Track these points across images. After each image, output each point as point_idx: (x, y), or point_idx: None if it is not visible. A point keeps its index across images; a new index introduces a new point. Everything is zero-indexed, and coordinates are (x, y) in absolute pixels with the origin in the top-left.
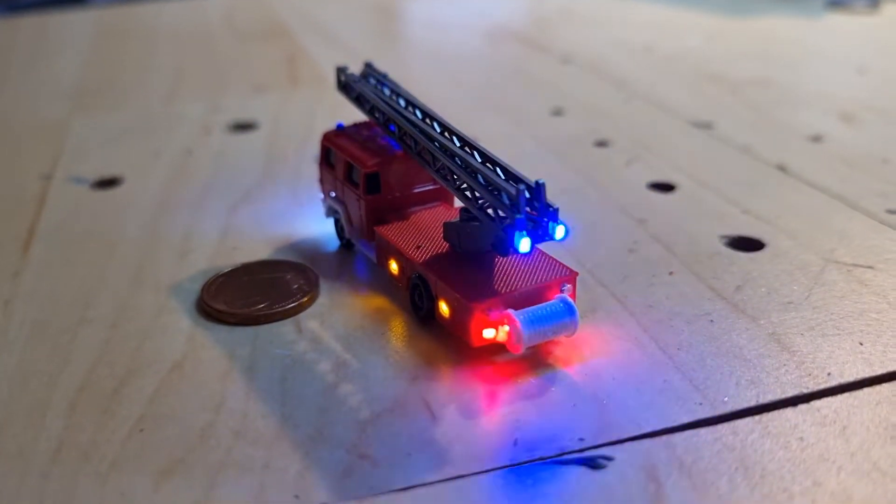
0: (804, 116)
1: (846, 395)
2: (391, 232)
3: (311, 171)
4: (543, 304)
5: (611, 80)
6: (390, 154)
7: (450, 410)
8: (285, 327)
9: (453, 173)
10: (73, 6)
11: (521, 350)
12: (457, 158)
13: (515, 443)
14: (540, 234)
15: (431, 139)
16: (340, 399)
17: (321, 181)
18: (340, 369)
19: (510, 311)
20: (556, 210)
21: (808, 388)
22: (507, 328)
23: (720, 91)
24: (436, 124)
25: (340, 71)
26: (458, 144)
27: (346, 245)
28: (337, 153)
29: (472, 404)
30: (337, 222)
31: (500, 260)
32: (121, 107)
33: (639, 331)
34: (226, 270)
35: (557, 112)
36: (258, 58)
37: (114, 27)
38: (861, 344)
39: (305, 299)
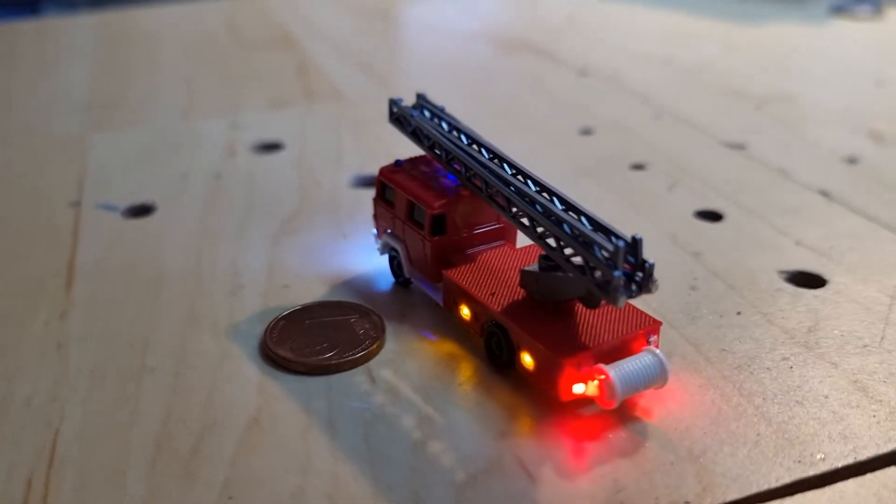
0: (834, 135)
1: None
2: (461, 276)
3: (349, 198)
4: (634, 357)
5: (633, 94)
6: (455, 194)
7: (546, 470)
8: (357, 377)
9: (533, 220)
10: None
11: (614, 406)
12: (537, 206)
13: None
14: (635, 290)
15: (507, 183)
16: (431, 458)
17: (376, 217)
18: (425, 424)
19: (603, 366)
20: (652, 265)
21: None
22: (596, 382)
23: (745, 106)
24: (506, 165)
25: (393, 103)
26: (534, 188)
27: (402, 283)
28: (397, 191)
29: (567, 462)
30: (393, 260)
31: (581, 308)
32: (137, 121)
33: (719, 378)
34: (286, 312)
35: (586, 131)
36: (268, 68)
37: (115, 32)
38: None
39: (374, 346)
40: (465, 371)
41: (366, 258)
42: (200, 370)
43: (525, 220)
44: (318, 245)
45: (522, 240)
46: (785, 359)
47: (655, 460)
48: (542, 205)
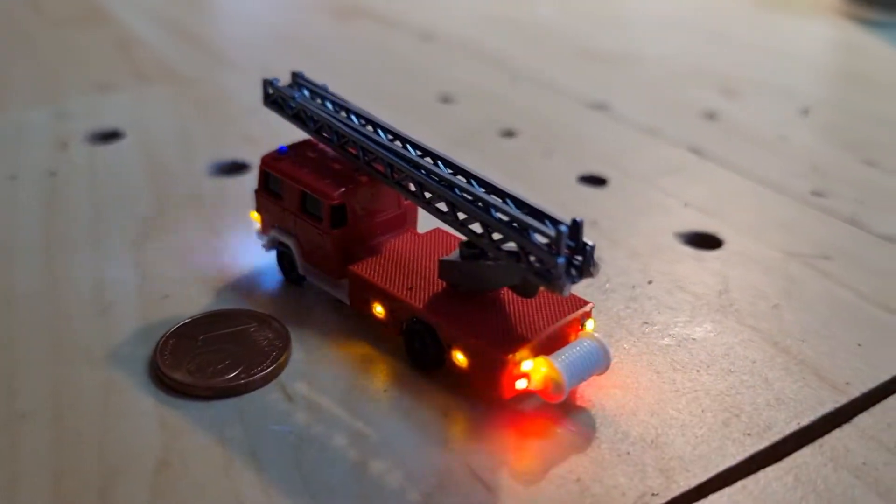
0: (688, 92)
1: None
2: (370, 270)
3: (211, 189)
4: (574, 344)
5: (484, 57)
6: (354, 181)
7: (502, 477)
8: (270, 395)
9: (454, 206)
10: None
11: (562, 399)
12: (456, 190)
13: None
14: (576, 275)
15: (416, 167)
16: (377, 481)
17: (260, 210)
18: (359, 442)
19: (547, 358)
20: (593, 248)
21: (839, 402)
22: (540, 376)
23: (597, 66)
24: (409, 147)
25: (269, 84)
26: (446, 170)
27: (294, 281)
28: (285, 181)
29: (523, 466)
30: (283, 256)
31: (507, 296)
32: None
33: (649, 354)
34: (174, 328)
35: (446, 99)
36: (84, 47)
37: None
38: (859, 345)
39: (282, 357)
40: (386, 375)
41: (248, 256)
42: (85, 410)
43: (442, 206)
44: (190, 246)
45: (424, 223)
46: (705, 325)
47: (611, 452)
48: (461, 188)
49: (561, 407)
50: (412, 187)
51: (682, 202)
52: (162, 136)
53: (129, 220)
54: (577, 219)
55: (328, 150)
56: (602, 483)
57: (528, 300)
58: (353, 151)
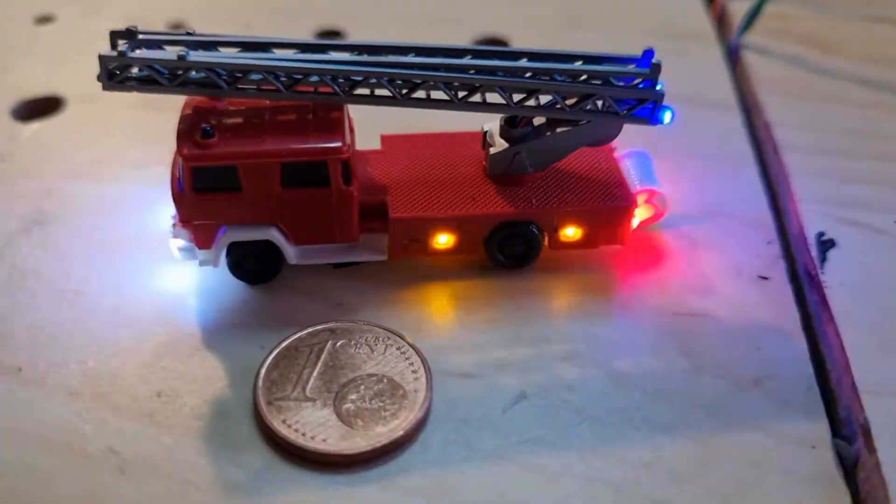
0: None
1: None
2: (411, 208)
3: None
4: (629, 165)
5: None
6: (334, 124)
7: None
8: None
9: (508, 91)
10: None
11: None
12: (500, 73)
13: None
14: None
15: (434, 68)
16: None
17: (191, 220)
18: None
19: (641, 185)
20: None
21: None
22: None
23: None
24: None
25: (111, 59)
26: (456, 59)
27: (263, 280)
28: (248, 164)
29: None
30: (246, 258)
31: (560, 169)
32: None
33: None
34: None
35: None
36: None
37: None
38: None
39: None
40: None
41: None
42: None
43: (491, 97)
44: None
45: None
46: None
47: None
48: (504, 69)
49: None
50: (439, 95)
51: None
52: None
53: None
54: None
55: (246, 104)
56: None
57: (576, 158)
58: (338, 86)
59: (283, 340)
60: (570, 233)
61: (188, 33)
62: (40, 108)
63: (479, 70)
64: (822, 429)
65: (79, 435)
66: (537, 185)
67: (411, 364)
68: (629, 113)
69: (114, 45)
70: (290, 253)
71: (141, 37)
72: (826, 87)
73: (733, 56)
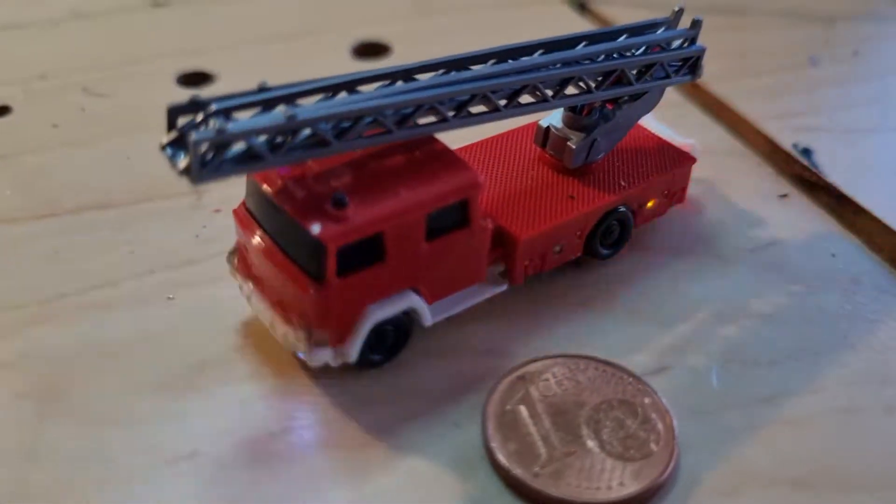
0: None
1: None
2: (529, 225)
3: None
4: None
5: None
6: (450, 155)
7: None
8: None
9: (588, 83)
10: None
11: None
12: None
13: None
14: None
15: (531, 69)
16: None
17: (337, 308)
18: None
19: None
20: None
21: None
22: None
23: None
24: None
25: (204, 142)
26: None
27: (388, 359)
28: (395, 226)
29: None
30: (382, 336)
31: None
32: None
33: None
34: None
35: None
36: None
37: None
38: None
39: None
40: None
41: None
42: None
43: (572, 90)
44: None
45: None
46: None
47: None
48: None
49: None
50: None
51: None
52: None
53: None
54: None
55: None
56: None
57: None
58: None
59: (486, 406)
60: (650, 205)
61: (263, 89)
62: None
63: (566, 63)
64: None
65: None
66: (608, 169)
67: (618, 377)
68: (679, 73)
69: (173, 125)
70: (427, 315)
71: (214, 106)
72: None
73: None
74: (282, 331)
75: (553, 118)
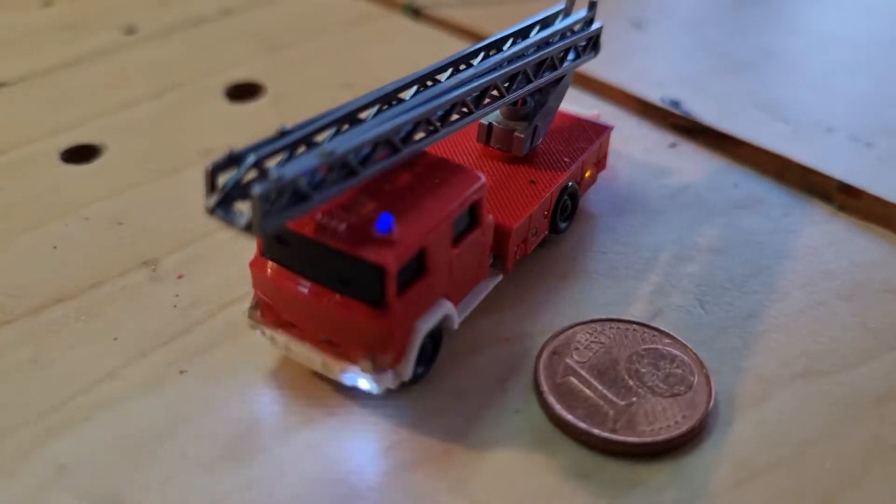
0: None
1: None
2: (508, 215)
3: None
4: None
5: None
6: (449, 167)
7: None
8: None
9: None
10: None
11: None
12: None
13: None
14: None
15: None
16: None
17: (395, 325)
18: None
19: (587, 113)
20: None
21: None
22: None
23: None
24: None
25: (266, 193)
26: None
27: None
28: (433, 239)
29: None
30: (421, 351)
31: None
32: None
33: None
34: None
35: None
36: None
37: None
38: None
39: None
40: None
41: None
42: None
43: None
44: None
45: None
46: None
47: None
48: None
49: None
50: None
51: None
52: None
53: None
54: None
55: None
56: None
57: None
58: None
59: (539, 387)
60: (588, 175)
61: (284, 133)
62: None
63: (510, 61)
64: None
65: None
66: (549, 151)
67: (632, 329)
68: (585, 52)
69: (213, 187)
70: (455, 318)
71: (252, 157)
72: None
73: None
74: (338, 368)
75: (492, 115)
